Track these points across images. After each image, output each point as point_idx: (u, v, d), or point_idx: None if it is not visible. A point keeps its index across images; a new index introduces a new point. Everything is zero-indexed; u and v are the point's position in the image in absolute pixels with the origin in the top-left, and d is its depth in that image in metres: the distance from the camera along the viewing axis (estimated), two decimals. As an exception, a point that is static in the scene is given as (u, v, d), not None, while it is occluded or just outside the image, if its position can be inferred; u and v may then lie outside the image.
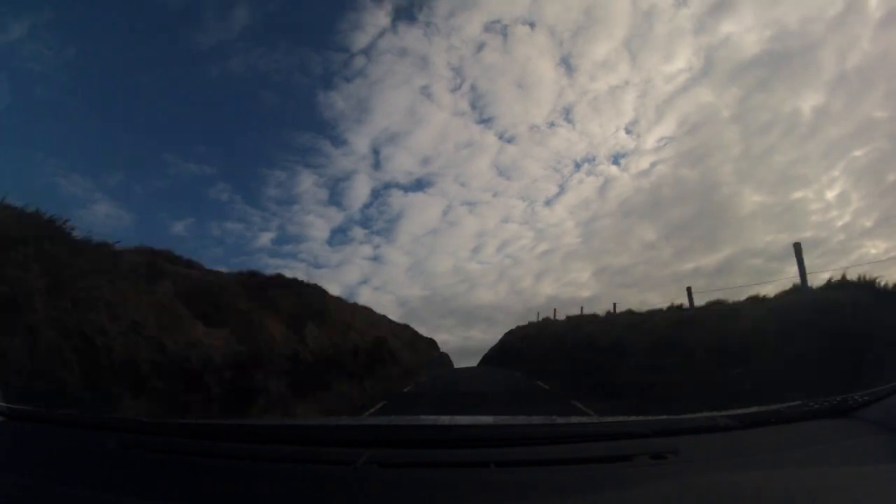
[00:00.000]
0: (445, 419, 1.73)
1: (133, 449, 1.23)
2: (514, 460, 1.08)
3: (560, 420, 1.44)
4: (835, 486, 0.93)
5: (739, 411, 1.24)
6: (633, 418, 1.33)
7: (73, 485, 1.04)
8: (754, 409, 1.28)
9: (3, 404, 1.50)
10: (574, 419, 1.45)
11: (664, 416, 1.30)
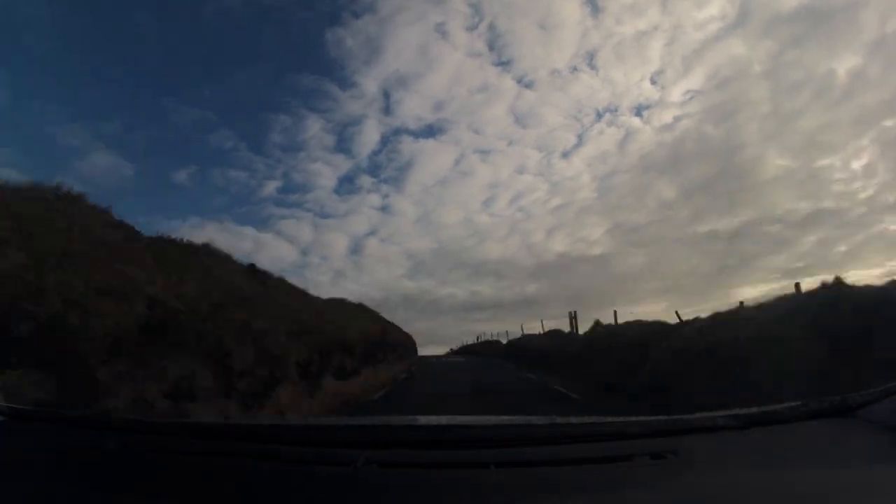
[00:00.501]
0: (445, 419, 1.73)
1: (133, 449, 1.23)
2: (513, 461, 1.08)
3: (560, 420, 1.44)
4: (835, 486, 0.93)
5: (739, 411, 1.24)
6: (632, 418, 1.34)
7: (73, 485, 1.04)
8: (754, 409, 1.28)
9: (3, 404, 1.49)
10: (574, 419, 1.46)
11: (664, 417, 1.31)
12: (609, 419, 1.37)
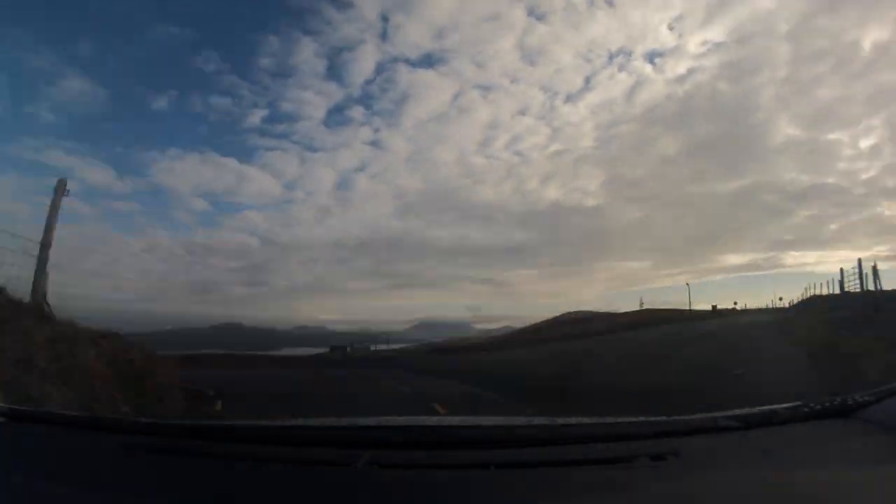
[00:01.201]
0: (446, 420, 1.77)
1: (133, 450, 1.23)
2: (514, 462, 1.08)
3: (560, 421, 1.45)
4: (835, 487, 0.93)
5: (739, 412, 1.25)
6: (633, 419, 1.34)
7: (73, 486, 1.04)
8: (754, 409, 1.28)
9: (3, 405, 1.50)
10: (574, 420, 1.47)
11: (664, 418, 1.31)
12: (609, 420, 1.38)
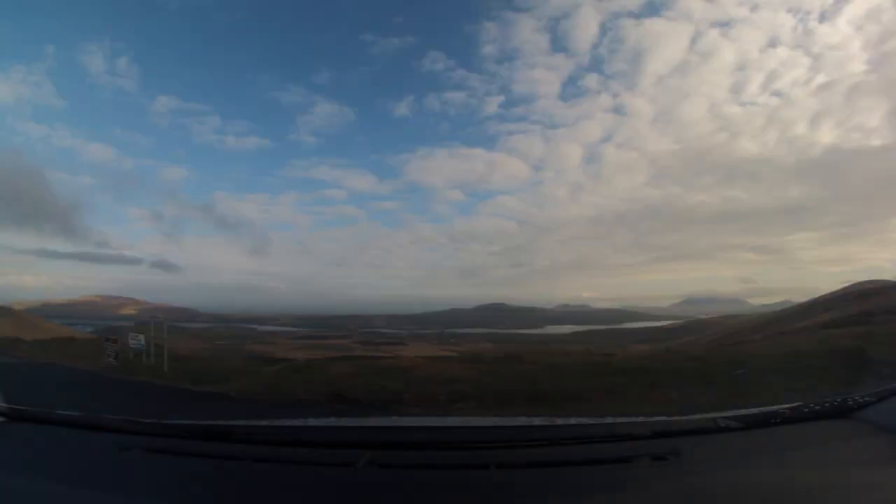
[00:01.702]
0: (446, 420, 1.79)
1: (132, 450, 1.23)
2: (514, 462, 1.08)
3: (560, 421, 1.44)
4: (835, 486, 0.94)
5: (740, 412, 1.25)
6: (633, 419, 1.34)
7: (72, 485, 1.05)
8: (754, 410, 1.29)
9: (4, 404, 1.50)
10: (574, 420, 1.47)
11: (664, 418, 1.31)
12: (610, 420, 1.38)
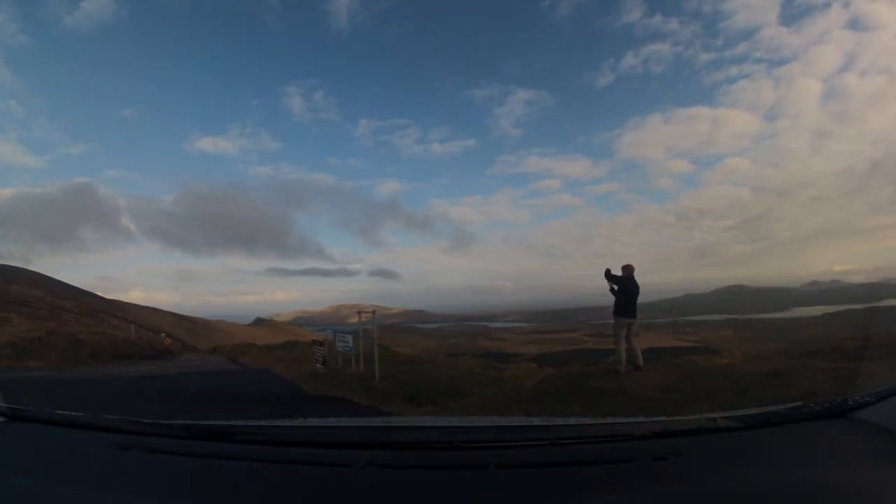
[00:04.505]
0: (445, 420, 1.92)
1: (132, 450, 1.24)
2: (513, 462, 1.09)
3: (560, 421, 1.47)
4: (835, 487, 0.94)
5: (740, 412, 1.27)
6: (633, 419, 1.35)
7: (72, 485, 1.06)
8: (754, 410, 1.30)
9: (4, 404, 1.51)
10: (573, 420, 1.51)
11: (664, 418, 1.33)
12: (609, 420, 1.39)
